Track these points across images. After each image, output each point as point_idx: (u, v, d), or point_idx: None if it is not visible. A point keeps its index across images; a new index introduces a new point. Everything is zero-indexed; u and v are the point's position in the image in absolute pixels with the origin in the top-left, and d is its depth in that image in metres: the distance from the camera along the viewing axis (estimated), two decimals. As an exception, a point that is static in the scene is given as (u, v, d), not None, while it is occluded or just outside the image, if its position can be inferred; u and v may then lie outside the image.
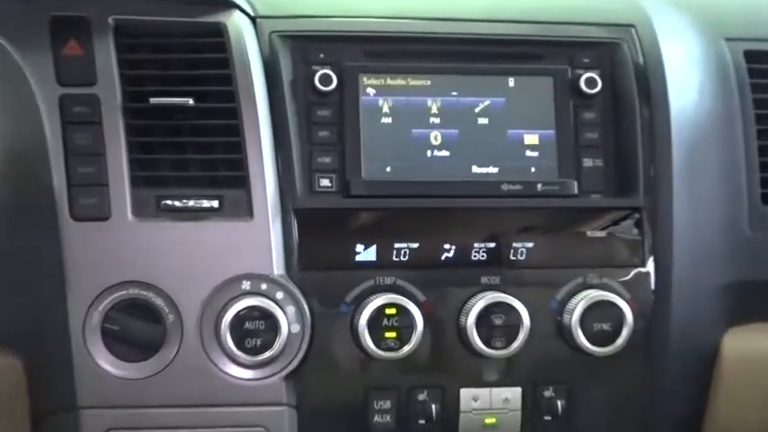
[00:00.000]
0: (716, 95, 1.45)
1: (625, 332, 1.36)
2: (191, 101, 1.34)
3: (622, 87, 1.43)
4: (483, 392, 1.38)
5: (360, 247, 1.36)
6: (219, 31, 1.37)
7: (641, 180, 1.40)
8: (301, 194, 1.35)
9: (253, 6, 1.42)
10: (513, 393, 1.39)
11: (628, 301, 1.37)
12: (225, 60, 1.36)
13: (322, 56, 1.39)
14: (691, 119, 1.43)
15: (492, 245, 1.38)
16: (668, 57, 1.44)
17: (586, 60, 1.43)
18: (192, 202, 1.33)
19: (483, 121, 1.40)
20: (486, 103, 1.40)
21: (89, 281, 1.30)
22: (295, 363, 1.34)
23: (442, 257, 1.37)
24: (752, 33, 1.50)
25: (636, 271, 1.40)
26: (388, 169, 1.38)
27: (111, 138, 1.33)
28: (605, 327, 1.36)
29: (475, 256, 1.38)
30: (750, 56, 1.46)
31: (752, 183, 1.43)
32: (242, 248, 1.33)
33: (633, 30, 1.46)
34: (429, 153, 1.39)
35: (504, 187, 1.38)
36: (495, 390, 1.38)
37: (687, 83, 1.44)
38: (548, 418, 1.39)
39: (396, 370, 1.36)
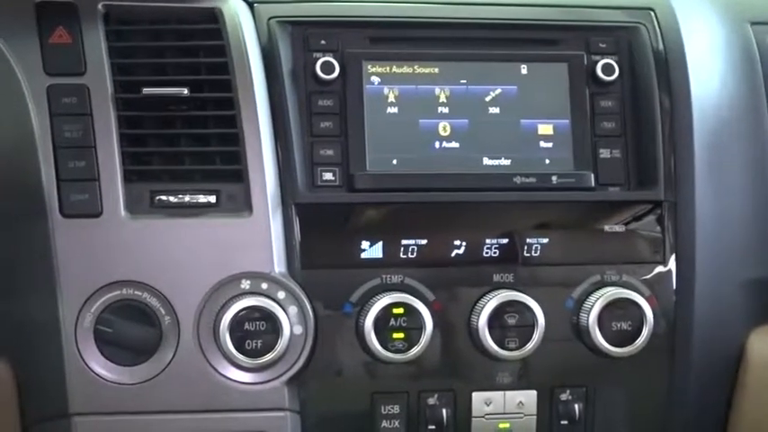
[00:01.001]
0: (740, 83, 1.39)
1: (645, 332, 1.30)
2: (185, 91, 1.28)
3: (641, 74, 1.37)
4: (496, 396, 1.32)
5: (365, 244, 1.30)
6: (215, 17, 1.32)
7: (662, 172, 1.34)
8: (303, 189, 1.29)
9: (251, -8, 1.36)
10: (528, 397, 1.32)
11: (648, 300, 1.31)
12: (221, 48, 1.30)
13: (323, 42, 1.33)
14: (713, 108, 1.37)
15: (504, 241, 1.32)
16: (689, 42, 1.38)
17: (603, 46, 1.37)
18: (187, 198, 1.28)
19: (494, 110, 1.34)
20: (498, 91, 1.34)
21: (80, 281, 1.25)
22: (298, 366, 1.28)
23: (452, 254, 1.31)
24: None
25: (657, 268, 1.34)
26: (395, 162, 1.31)
27: (102, 130, 1.27)
28: (624, 326, 1.30)
29: (487, 253, 1.31)
30: (777, 40, 1.40)
31: None
32: (241, 246, 1.27)
33: (652, 13, 1.40)
34: (437, 144, 1.32)
35: (517, 180, 1.31)
36: (509, 393, 1.32)
37: (709, 70, 1.38)
38: (564, 422, 1.33)
39: (404, 373, 1.30)
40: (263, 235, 1.27)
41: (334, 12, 1.35)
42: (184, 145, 1.29)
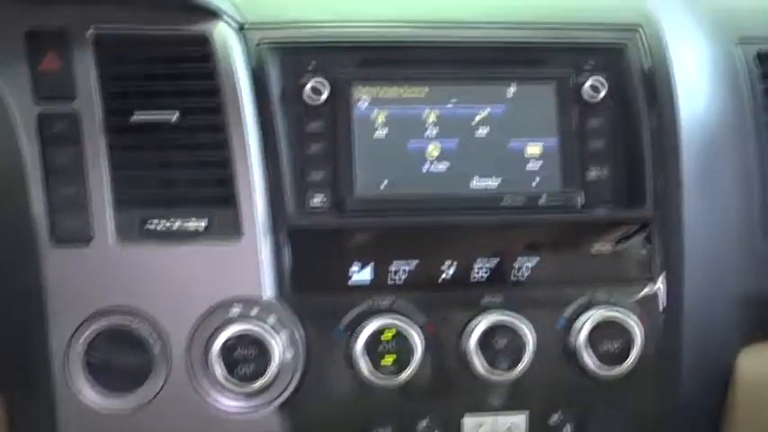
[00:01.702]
0: (726, 101, 1.39)
1: (635, 352, 1.30)
2: (174, 117, 1.29)
3: (629, 93, 1.37)
4: (487, 419, 1.32)
5: (355, 267, 1.30)
6: (205, 42, 1.31)
7: (650, 191, 1.34)
8: (293, 212, 1.29)
9: (241, 14, 1.36)
10: (519, 419, 1.33)
11: (638, 320, 1.32)
12: (211, 72, 1.30)
13: (313, 66, 1.33)
14: (700, 126, 1.37)
15: (494, 262, 1.32)
16: (676, 61, 1.38)
17: (590, 64, 1.37)
18: (178, 224, 1.28)
19: (482, 131, 1.34)
20: (486, 112, 1.34)
21: (71, 308, 1.25)
22: (289, 391, 1.28)
23: (442, 276, 1.31)
24: (765, 34, 1.43)
25: (646, 287, 1.34)
26: (384, 184, 1.32)
27: (93, 156, 1.27)
28: (615, 346, 1.31)
29: (476, 275, 1.32)
30: (762, 59, 1.40)
31: (765, 192, 1.37)
32: (231, 271, 1.27)
33: (639, 31, 1.39)
34: (426, 166, 1.33)
35: (506, 201, 1.31)
36: (501, 416, 1.32)
37: (696, 88, 1.38)
38: None
39: (395, 397, 1.30)
40: (254, 259, 1.28)
41: (324, 36, 1.35)
42: (175, 170, 1.29)
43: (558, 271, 1.33)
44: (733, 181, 1.37)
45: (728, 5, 1.49)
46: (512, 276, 1.32)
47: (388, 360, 1.27)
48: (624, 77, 1.37)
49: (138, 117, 1.29)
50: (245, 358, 1.25)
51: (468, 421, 1.32)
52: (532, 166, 1.34)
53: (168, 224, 1.27)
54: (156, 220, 1.27)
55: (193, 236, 1.27)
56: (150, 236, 1.27)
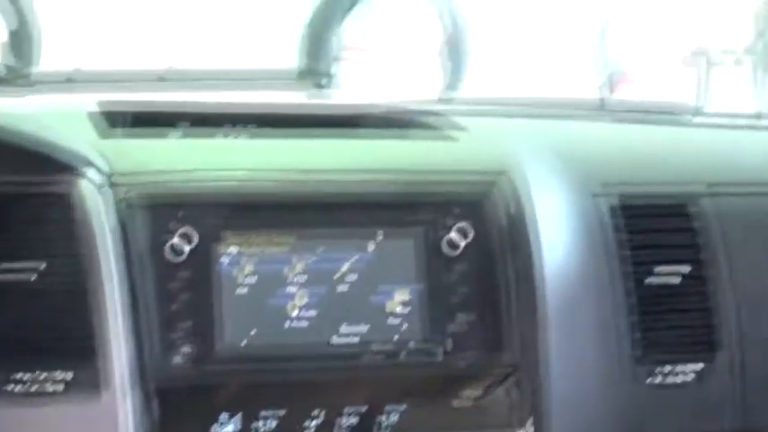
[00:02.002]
0: (584, 251, 1.42)
1: (502, 501, 1.31)
2: (35, 275, 1.28)
3: (492, 241, 1.38)
4: None
5: (221, 420, 1.30)
6: (66, 198, 1.31)
7: (515, 338, 1.36)
8: (156, 367, 1.28)
9: (109, 162, 1.35)
10: None
11: (505, 467, 1.33)
12: (71, 229, 1.30)
13: (178, 219, 1.32)
14: (561, 275, 1.39)
15: (361, 411, 1.32)
16: (539, 209, 1.41)
17: (455, 213, 1.38)
18: (38, 381, 1.26)
19: (347, 282, 1.34)
20: (350, 262, 1.35)
21: None
22: None
23: (309, 428, 1.31)
24: (625, 183, 1.48)
25: (514, 433, 1.35)
26: (248, 338, 1.31)
27: None
28: (481, 497, 1.31)
29: (343, 425, 1.32)
30: (620, 210, 1.44)
31: (624, 343, 1.40)
32: (94, 429, 1.26)
33: (504, 179, 1.41)
34: (290, 320, 1.32)
35: (368, 354, 1.32)
36: None
37: (557, 238, 1.41)
38: None
39: None
40: (117, 417, 1.26)
41: (190, 190, 1.34)
42: (35, 327, 1.28)
43: (424, 420, 1.33)
44: (594, 330, 1.40)
45: (594, 149, 1.53)
46: (378, 427, 1.32)
47: None
48: (488, 225, 1.38)
49: None
50: None
51: None
52: (396, 317, 1.34)
53: (28, 383, 1.26)
54: (18, 375, 1.26)
55: (54, 395, 1.26)
56: (8, 396, 1.25)
